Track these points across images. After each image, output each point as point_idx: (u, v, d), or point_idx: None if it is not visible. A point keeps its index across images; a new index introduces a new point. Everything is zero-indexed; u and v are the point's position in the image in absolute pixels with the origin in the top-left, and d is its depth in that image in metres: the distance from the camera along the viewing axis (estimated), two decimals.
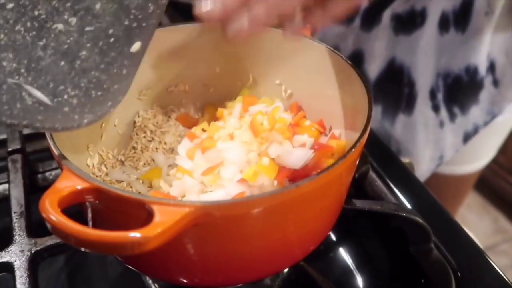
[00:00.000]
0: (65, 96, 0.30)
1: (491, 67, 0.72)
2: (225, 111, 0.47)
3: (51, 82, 0.30)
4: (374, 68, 0.78)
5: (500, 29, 0.68)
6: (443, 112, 0.77)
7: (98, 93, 0.31)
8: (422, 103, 0.77)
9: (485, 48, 0.69)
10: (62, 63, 0.30)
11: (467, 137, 0.79)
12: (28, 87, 0.29)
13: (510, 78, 0.72)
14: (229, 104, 0.49)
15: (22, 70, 0.29)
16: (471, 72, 0.72)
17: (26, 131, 0.54)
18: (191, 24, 0.46)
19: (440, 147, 0.80)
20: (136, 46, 0.34)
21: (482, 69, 0.72)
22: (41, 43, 0.30)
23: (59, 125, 0.30)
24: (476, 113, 0.76)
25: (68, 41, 0.31)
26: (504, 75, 0.72)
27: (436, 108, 0.77)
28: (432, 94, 0.76)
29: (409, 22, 0.71)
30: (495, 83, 0.73)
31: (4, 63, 0.28)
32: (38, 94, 0.29)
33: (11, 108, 0.28)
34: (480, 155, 0.90)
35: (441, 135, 0.79)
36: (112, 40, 0.32)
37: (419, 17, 0.69)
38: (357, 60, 0.78)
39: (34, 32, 0.29)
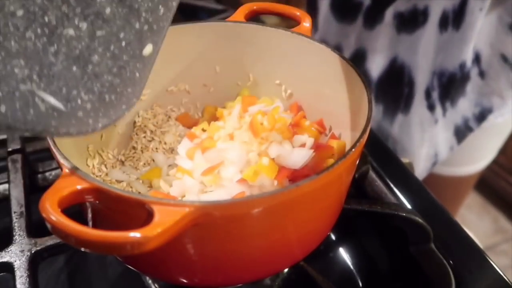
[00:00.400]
0: (79, 101, 0.30)
1: (476, 59, 0.72)
2: (225, 111, 0.47)
3: (63, 88, 0.30)
4: (376, 67, 0.78)
5: (485, 20, 0.68)
6: (438, 110, 0.77)
7: (111, 97, 0.32)
8: (418, 102, 0.77)
9: (472, 41, 0.70)
10: (74, 68, 0.30)
11: (458, 132, 0.79)
12: (41, 93, 0.29)
13: (496, 69, 0.72)
14: (229, 104, 0.49)
15: (34, 77, 0.29)
16: (462, 67, 0.72)
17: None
18: (191, 24, 0.46)
19: (434, 144, 0.80)
20: (148, 49, 0.34)
21: (469, 61, 0.72)
22: (52, 49, 0.30)
23: (73, 130, 0.30)
24: (464, 105, 0.76)
25: (80, 46, 0.31)
26: (490, 67, 0.72)
27: (431, 107, 0.77)
28: (427, 94, 0.76)
29: (412, 20, 0.71)
30: (481, 74, 0.73)
31: (16, 70, 0.28)
32: (51, 99, 0.29)
33: (24, 114, 0.28)
34: (481, 157, 0.90)
35: (434, 132, 0.79)
36: (123, 44, 0.32)
37: (421, 15, 0.69)
38: (359, 58, 0.78)
39: (44, 39, 0.29)
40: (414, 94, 0.76)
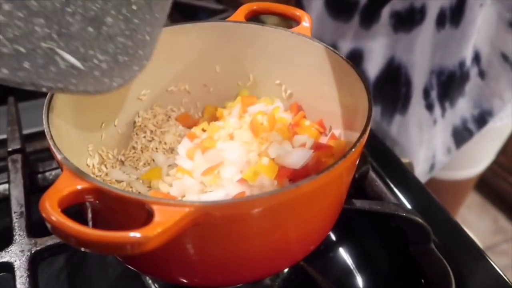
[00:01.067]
0: (95, 61, 0.31)
1: (476, 58, 0.71)
2: (225, 111, 0.47)
3: (81, 47, 0.31)
4: (373, 67, 0.77)
5: (484, 18, 0.67)
6: (437, 111, 0.76)
7: (125, 58, 0.33)
8: (416, 102, 0.76)
9: (473, 38, 0.68)
10: (90, 29, 0.32)
11: (456, 134, 0.78)
12: (61, 52, 0.30)
13: (496, 69, 0.70)
14: (229, 104, 0.49)
15: (54, 36, 0.30)
16: (462, 65, 0.71)
17: (26, 131, 0.54)
18: (191, 24, 0.46)
19: (432, 145, 0.79)
20: (157, 13, 0.35)
21: (468, 60, 0.70)
22: (69, 10, 0.31)
23: (91, 88, 0.31)
24: (462, 105, 0.75)
25: (94, 8, 0.32)
26: (490, 66, 0.71)
27: (430, 107, 0.76)
28: (426, 93, 0.74)
29: (409, 19, 0.70)
30: (481, 74, 0.72)
31: (37, 28, 0.29)
32: (71, 58, 0.30)
33: (46, 71, 0.29)
34: (480, 160, 0.90)
35: (433, 133, 0.78)
36: (134, 7, 0.34)
37: (419, 13, 0.69)
38: (356, 59, 0.77)
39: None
40: (411, 94, 0.76)
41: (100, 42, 0.32)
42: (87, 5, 0.32)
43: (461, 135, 0.78)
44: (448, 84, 0.73)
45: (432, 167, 0.82)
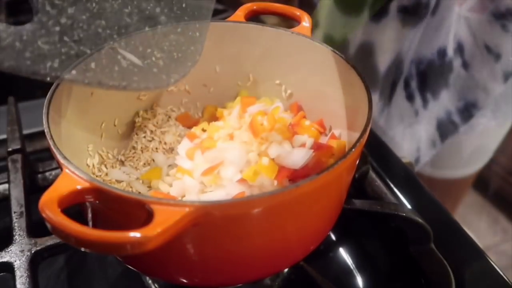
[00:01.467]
0: (153, 58, 0.33)
1: (459, 48, 0.69)
2: (225, 111, 0.47)
3: (140, 46, 0.33)
4: (384, 62, 0.76)
5: (465, 7, 0.66)
6: (418, 101, 0.75)
7: (179, 55, 0.34)
8: (398, 93, 0.75)
9: (452, 26, 0.67)
10: (147, 28, 0.34)
11: (441, 126, 0.77)
12: (122, 51, 0.32)
13: (480, 60, 0.69)
14: (229, 104, 0.49)
15: (115, 36, 0.32)
16: (441, 54, 0.70)
17: (26, 131, 0.54)
18: None
19: (416, 138, 0.79)
20: (204, 10, 0.37)
21: (450, 50, 0.69)
22: (126, 10, 0.33)
23: (152, 85, 0.32)
24: (447, 97, 0.74)
25: (148, 7, 0.34)
26: (473, 58, 0.69)
27: (410, 97, 0.75)
28: (406, 83, 0.74)
29: (416, 14, 0.69)
30: (465, 65, 0.70)
31: (99, 30, 0.31)
32: (131, 57, 0.32)
33: (111, 70, 0.30)
34: (477, 159, 0.90)
35: (416, 125, 0.77)
36: (183, 5, 0.36)
37: (424, 8, 0.68)
38: (367, 52, 0.77)
39: (119, 0, 0.33)
40: (396, 86, 0.75)
41: (156, 40, 0.33)
42: (142, 5, 0.33)
43: (446, 128, 0.77)
44: (427, 73, 0.72)
45: (417, 160, 0.81)
